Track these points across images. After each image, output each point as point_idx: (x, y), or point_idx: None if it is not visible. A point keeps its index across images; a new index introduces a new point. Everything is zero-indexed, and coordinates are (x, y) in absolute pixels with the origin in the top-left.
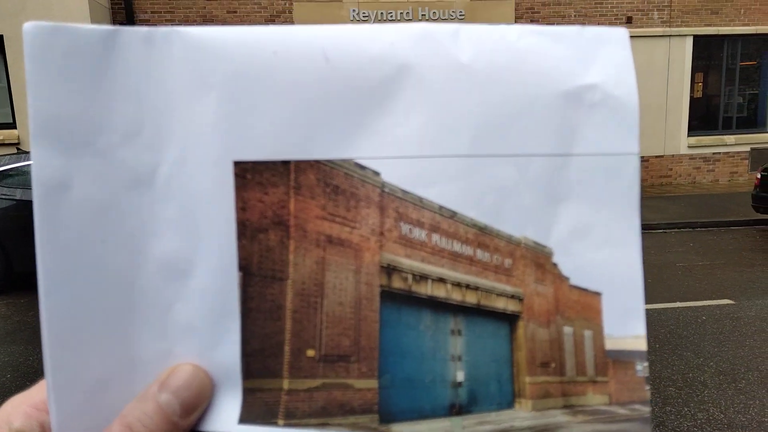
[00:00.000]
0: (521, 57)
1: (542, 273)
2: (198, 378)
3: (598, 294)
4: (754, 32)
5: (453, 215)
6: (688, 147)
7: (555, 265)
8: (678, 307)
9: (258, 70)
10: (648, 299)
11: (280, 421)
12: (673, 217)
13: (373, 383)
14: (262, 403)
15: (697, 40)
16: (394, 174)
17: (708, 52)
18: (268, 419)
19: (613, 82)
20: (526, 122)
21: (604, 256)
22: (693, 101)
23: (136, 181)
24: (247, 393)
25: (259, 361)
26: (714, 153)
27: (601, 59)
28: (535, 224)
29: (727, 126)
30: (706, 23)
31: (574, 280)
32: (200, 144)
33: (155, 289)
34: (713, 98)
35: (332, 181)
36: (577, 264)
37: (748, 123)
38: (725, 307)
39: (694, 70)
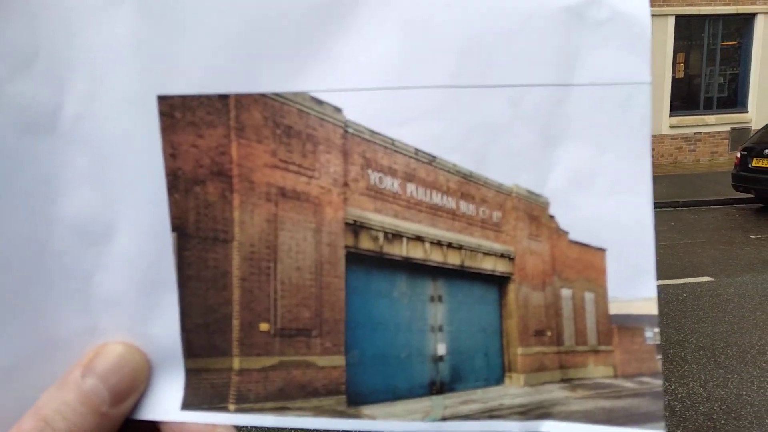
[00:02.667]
0: None
1: (537, 227)
2: (130, 359)
3: (602, 250)
4: (735, 12)
5: (432, 160)
6: (670, 127)
7: (552, 217)
8: (659, 285)
9: None
10: None
11: (231, 406)
12: (655, 197)
13: (339, 360)
14: (209, 386)
15: (679, 19)
16: (359, 110)
17: (689, 32)
18: (217, 404)
19: None
20: (518, 45)
21: (610, 207)
22: (674, 81)
23: (32, 125)
24: (191, 374)
25: (202, 337)
26: (695, 133)
27: None
28: (529, 170)
29: (708, 106)
30: (687, 2)
31: (575, 235)
32: (114, 75)
33: (70, 255)
34: (694, 78)
35: (283, 120)
36: (578, 216)
37: (729, 103)
38: (705, 284)
39: (676, 50)
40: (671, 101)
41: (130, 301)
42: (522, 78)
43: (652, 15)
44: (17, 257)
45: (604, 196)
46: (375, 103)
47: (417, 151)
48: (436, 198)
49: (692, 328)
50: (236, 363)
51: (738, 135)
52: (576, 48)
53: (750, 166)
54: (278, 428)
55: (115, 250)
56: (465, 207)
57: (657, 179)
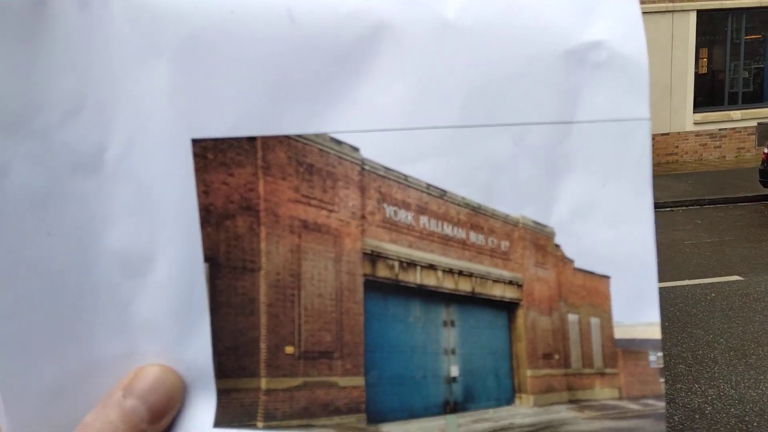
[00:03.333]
0: (515, 11)
1: (543, 256)
2: (166, 380)
3: (606, 277)
4: (759, 5)
5: (442, 194)
6: (694, 124)
7: (557, 246)
8: (687, 285)
9: (214, 33)
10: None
11: (259, 423)
12: (680, 195)
13: (359, 381)
14: (239, 405)
15: (701, 14)
16: (374, 149)
17: (712, 27)
18: (246, 421)
19: (620, 38)
20: (522, 87)
21: (613, 235)
22: (698, 77)
23: (80, 165)
24: (222, 394)
25: (232, 359)
26: (720, 129)
27: (606, 12)
28: (535, 202)
29: (733, 101)
30: None
31: (580, 263)
32: (152, 120)
33: (112, 284)
34: (718, 73)
35: (305, 159)
36: (583, 245)
37: (754, 97)
38: (734, 283)
39: (699, 45)
40: (695, 97)
41: (166, 327)
42: (526, 117)
43: (674, 11)
44: (65, 287)
45: (607, 226)
46: (389, 143)
47: (429, 186)
48: (448, 229)
49: (722, 328)
50: (264, 383)
51: (765, 130)
52: (577, 88)
53: None
54: None
55: (152, 280)
56: (475, 237)
57: (682, 177)
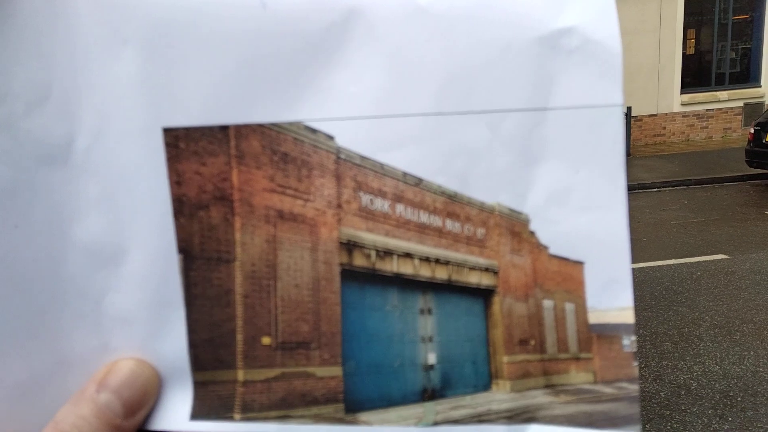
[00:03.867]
0: None
1: (518, 242)
2: (141, 373)
3: (580, 263)
4: None
5: (418, 182)
6: (681, 105)
7: (532, 233)
8: (673, 264)
9: (182, 19)
10: (643, 257)
11: (237, 415)
12: (667, 176)
13: (336, 370)
14: (216, 397)
15: None
16: (350, 138)
17: (700, 7)
18: (223, 413)
19: (593, 24)
20: (496, 74)
21: (587, 222)
22: (685, 58)
23: (47, 157)
24: (198, 387)
25: (208, 351)
26: (707, 110)
27: None
28: (510, 189)
29: (720, 82)
30: None
31: (554, 249)
32: (121, 110)
33: (83, 277)
34: (706, 54)
35: (279, 148)
36: (557, 231)
37: (741, 78)
38: (720, 262)
39: (686, 26)
40: (682, 78)
41: (140, 320)
42: (500, 104)
43: None
44: (34, 281)
45: (580, 212)
46: (364, 131)
47: (404, 174)
48: (424, 217)
49: (707, 306)
50: (241, 375)
51: (751, 110)
52: (550, 75)
53: (764, 141)
54: None
55: (125, 272)
56: (451, 225)
57: (669, 158)
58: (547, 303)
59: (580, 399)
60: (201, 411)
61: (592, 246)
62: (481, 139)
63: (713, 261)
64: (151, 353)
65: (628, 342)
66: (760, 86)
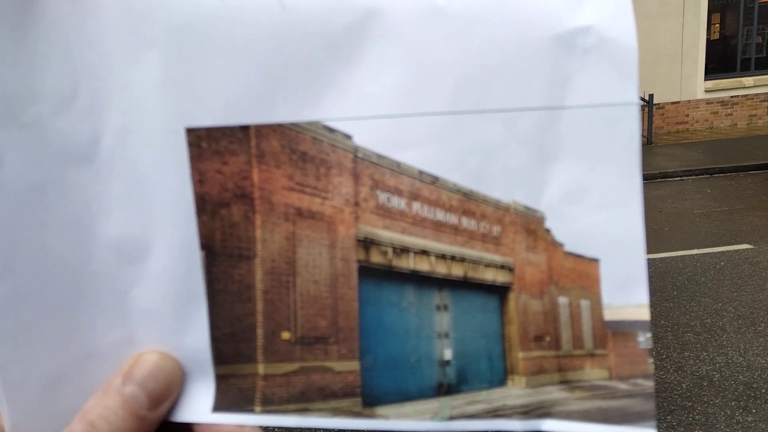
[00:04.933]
0: None
1: (534, 240)
2: (165, 366)
3: (595, 260)
4: None
5: (434, 180)
6: (705, 91)
7: (548, 230)
8: (696, 254)
9: (204, 22)
10: (666, 247)
11: (257, 408)
12: (690, 164)
13: (354, 365)
14: (237, 390)
15: None
16: (367, 136)
17: None
18: (244, 406)
19: (609, 22)
20: (512, 73)
21: (602, 219)
22: (710, 43)
23: (75, 156)
24: (220, 380)
25: (230, 345)
26: (732, 96)
27: None
28: (525, 187)
29: (746, 68)
30: None
31: (569, 247)
32: (145, 110)
33: (109, 273)
34: (731, 39)
35: (299, 147)
36: (573, 229)
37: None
38: (744, 251)
39: (711, 10)
40: (706, 64)
41: (163, 314)
42: (516, 103)
43: None
44: (62, 277)
45: (596, 209)
46: (381, 130)
47: (421, 172)
48: (440, 215)
49: (731, 296)
50: (261, 369)
51: None
52: (566, 73)
53: None
54: (300, 428)
55: (149, 268)
56: (467, 222)
57: (692, 146)
58: (563, 300)
59: (595, 395)
60: (223, 403)
61: (607, 243)
62: (497, 138)
63: (737, 251)
64: (174, 347)
65: (644, 338)
66: None
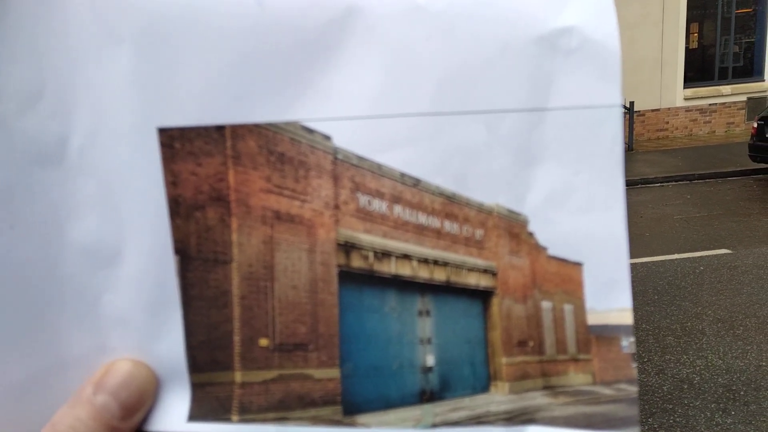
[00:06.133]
0: None
1: (517, 244)
2: (138, 375)
3: (579, 264)
4: None
5: (416, 183)
6: (684, 99)
7: (531, 234)
8: (676, 259)
9: (177, 18)
10: (646, 252)
11: (234, 417)
12: (670, 171)
13: (334, 372)
14: (213, 399)
15: None
16: (347, 138)
17: (703, 1)
18: (221, 415)
19: (592, 24)
20: (494, 73)
21: (585, 223)
22: (688, 52)
23: (42, 156)
24: (196, 388)
25: (206, 353)
26: (710, 104)
27: None
28: (508, 190)
29: (723, 76)
30: None
31: (553, 251)
32: (115, 109)
33: (79, 278)
34: (709, 48)
35: (276, 148)
36: (556, 232)
37: (744, 72)
38: (723, 256)
39: (689, 20)
40: (685, 73)
41: (137, 321)
42: (499, 104)
43: None
44: (30, 281)
45: (579, 213)
46: (362, 131)
47: (402, 174)
48: (422, 218)
49: (710, 300)
50: (238, 377)
51: (755, 104)
52: (549, 75)
53: (767, 135)
54: None
55: (122, 273)
56: (449, 226)
57: (672, 152)
58: (546, 304)
59: (578, 400)
60: (198, 412)
61: (591, 247)
62: (480, 140)
63: (716, 256)
64: (148, 354)
65: (627, 343)
66: (764, 80)
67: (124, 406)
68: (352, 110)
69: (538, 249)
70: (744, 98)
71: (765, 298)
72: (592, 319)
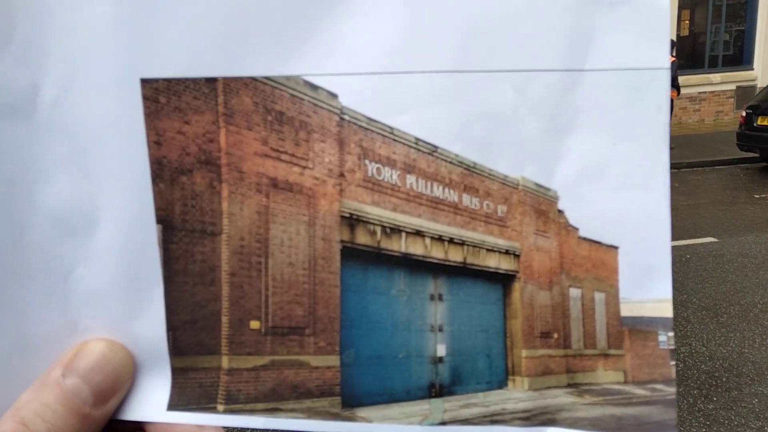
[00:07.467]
0: None
1: (544, 223)
2: (113, 357)
3: (614, 248)
4: None
5: (433, 150)
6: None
7: (561, 212)
8: None
9: None
10: None
11: (220, 406)
12: None
13: (333, 360)
14: (197, 385)
15: None
16: (355, 96)
17: None
18: (205, 404)
19: None
20: (525, 27)
21: (623, 201)
22: (679, 39)
23: (10, 109)
24: (177, 373)
25: (189, 334)
26: (700, 92)
27: None
28: (537, 161)
29: (713, 64)
30: None
31: (585, 231)
32: (93, 57)
33: (49, 247)
34: (699, 36)
35: (275, 106)
36: (589, 211)
37: (734, 61)
38: (708, 245)
39: (681, 6)
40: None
41: (113, 297)
42: (529, 63)
43: None
44: None
45: (617, 189)
46: (373, 89)
47: (417, 140)
48: (438, 190)
49: (695, 288)
50: (225, 362)
51: (744, 93)
52: (588, 31)
53: (755, 124)
54: (269, 430)
55: (97, 243)
56: (468, 200)
57: None
58: (574, 292)
59: (607, 401)
60: (180, 401)
61: (628, 229)
62: (506, 103)
63: (702, 244)
64: (125, 335)
65: (665, 338)
66: (753, 69)
67: (96, 391)
68: (363, 65)
69: (568, 229)
70: (733, 87)
71: (749, 287)
72: (626, 310)
